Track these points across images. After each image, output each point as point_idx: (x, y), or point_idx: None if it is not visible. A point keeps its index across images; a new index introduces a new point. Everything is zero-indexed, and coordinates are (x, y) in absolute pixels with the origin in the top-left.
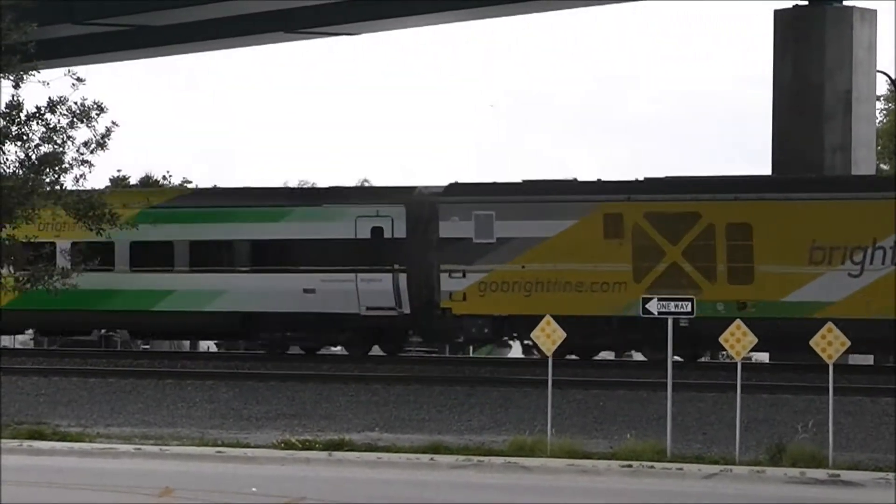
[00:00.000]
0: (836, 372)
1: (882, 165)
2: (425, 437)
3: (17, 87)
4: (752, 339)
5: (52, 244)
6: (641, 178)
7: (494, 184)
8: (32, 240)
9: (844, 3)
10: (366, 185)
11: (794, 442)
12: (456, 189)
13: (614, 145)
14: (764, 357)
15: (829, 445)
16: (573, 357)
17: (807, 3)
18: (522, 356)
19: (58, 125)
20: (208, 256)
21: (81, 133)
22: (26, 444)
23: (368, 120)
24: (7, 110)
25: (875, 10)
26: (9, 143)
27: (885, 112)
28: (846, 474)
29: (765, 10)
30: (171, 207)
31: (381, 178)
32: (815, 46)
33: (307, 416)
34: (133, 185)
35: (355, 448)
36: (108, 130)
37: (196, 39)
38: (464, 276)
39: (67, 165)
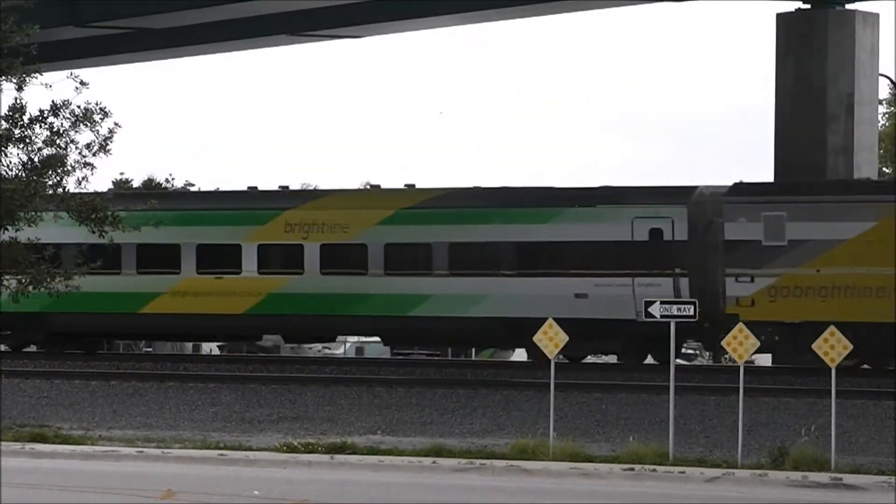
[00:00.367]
0: (838, 375)
1: (884, 169)
2: (427, 440)
3: (19, 89)
4: (755, 343)
5: (300, 246)
6: None
7: (784, 183)
8: (280, 244)
9: (847, 6)
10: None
11: (797, 445)
12: (742, 189)
13: (614, 148)
14: (766, 360)
15: (832, 449)
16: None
17: (809, 6)
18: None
19: (61, 128)
20: (469, 259)
21: (84, 136)
22: (28, 446)
23: (371, 122)
24: (10, 113)
25: (877, 14)
26: (11, 145)
27: (887, 116)
28: (848, 478)
29: (767, 13)
30: (427, 209)
31: (383, 180)
32: (818, 49)
33: (309, 419)
34: (136, 188)
35: (357, 451)
36: (111, 133)
37: (199, 42)
38: (752, 280)
39: (70, 168)
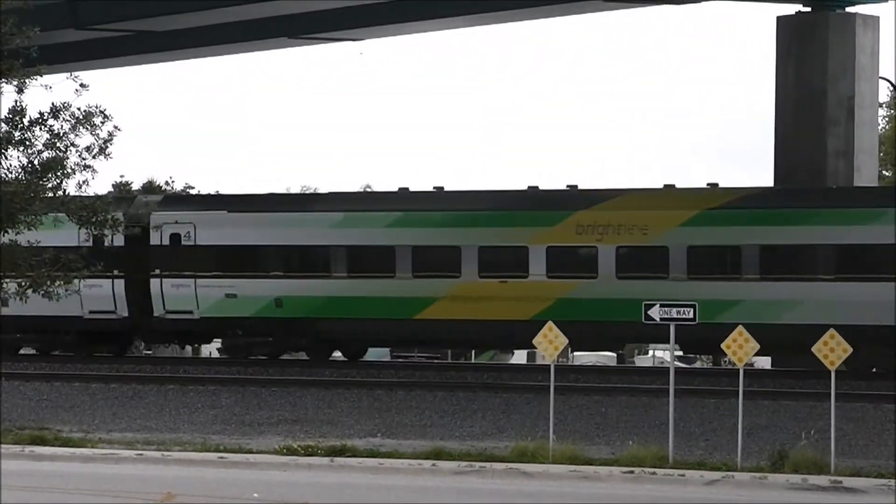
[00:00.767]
0: (837, 378)
1: (884, 172)
2: (427, 443)
3: (20, 92)
4: (754, 346)
5: (593, 249)
6: None
7: None
8: (572, 246)
9: (847, 9)
10: (368, 188)
11: (796, 448)
12: None
13: (615, 150)
14: (766, 363)
15: (831, 452)
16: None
17: (809, 9)
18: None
19: (61, 131)
20: (783, 263)
21: (84, 139)
22: (28, 449)
23: (370, 124)
24: (10, 115)
25: (877, 17)
26: (11, 148)
27: (887, 118)
28: (848, 481)
29: (767, 16)
30: (735, 209)
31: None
32: (818, 52)
33: (309, 422)
34: (137, 190)
35: (357, 454)
36: (111, 136)
37: (199, 45)
38: None
39: (70, 171)
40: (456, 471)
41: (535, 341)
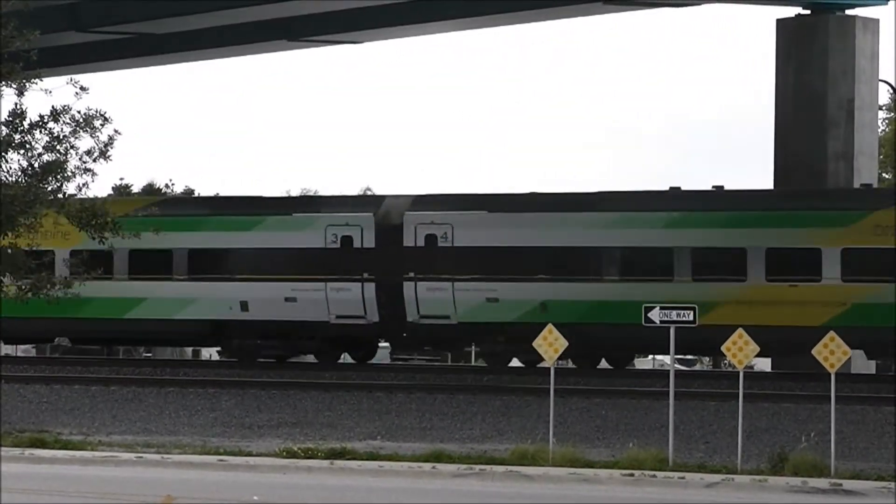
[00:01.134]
0: (837, 381)
1: (884, 174)
2: (427, 446)
3: (20, 95)
4: (755, 348)
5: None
6: None
7: None
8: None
9: (847, 12)
10: (368, 192)
11: (797, 451)
12: None
13: (614, 154)
14: (766, 365)
15: (831, 454)
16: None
17: (809, 12)
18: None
19: (61, 134)
20: None
21: (84, 142)
22: (28, 451)
23: (369, 127)
24: (10, 118)
25: (877, 20)
26: (11, 151)
27: (887, 121)
28: (848, 483)
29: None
30: None
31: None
32: (818, 55)
33: (309, 425)
34: (136, 193)
35: (357, 456)
36: (111, 139)
37: (199, 48)
38: None
39: (70, 174)
40: (456, 473)
41: (535, 343)
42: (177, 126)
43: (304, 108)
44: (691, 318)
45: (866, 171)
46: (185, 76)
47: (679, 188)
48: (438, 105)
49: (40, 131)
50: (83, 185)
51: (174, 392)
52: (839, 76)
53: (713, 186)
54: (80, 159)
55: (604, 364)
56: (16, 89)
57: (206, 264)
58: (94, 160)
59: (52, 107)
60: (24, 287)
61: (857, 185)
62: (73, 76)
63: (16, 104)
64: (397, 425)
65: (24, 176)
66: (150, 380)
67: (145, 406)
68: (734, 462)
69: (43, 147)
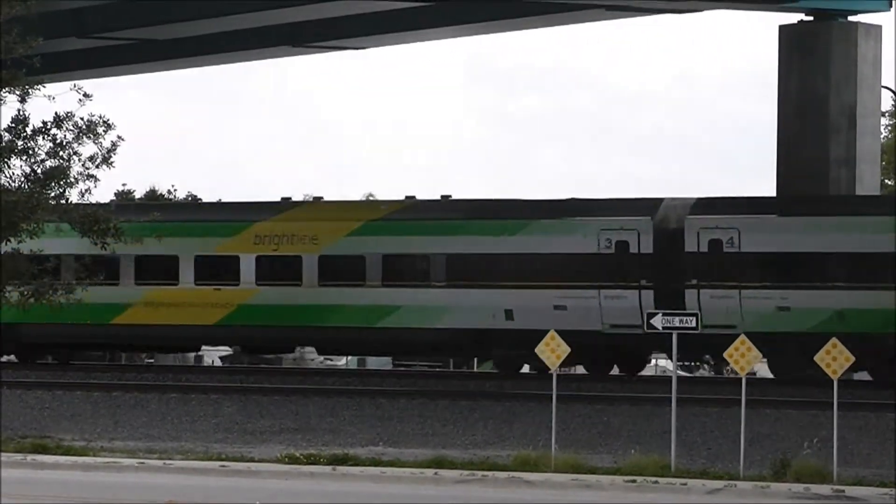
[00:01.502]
0: (840, 387)
1: (887, 181)
2: (429, 452)
3: (22, 101)
4: (757, 355)
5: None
6: None
7: None
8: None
9: (849, 18)
10: (371, 198)
11: (799, 457)
12: None
13: (617, 159)
14: (768, 372)
15: (834, 461)
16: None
17: (812, 18)
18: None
19: (64, 140)
20: None
21: (87, 148)
22: (30, 457)
23: (372, 133)
24: (13, 125)
25: (880, 26)
26: (14, 157)
27: (889, 127)
28: (850, 490)
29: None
30: None
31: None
32: (820, 61)
33: (311, 431)
34: (139, 199)
35: (359, 462)
36: (114, 145)
37: (202, 53)
38: None
39: (73, 180)
40: (458, 479)
41: (537, 350)
42: (178, 132)
43: (306, 114)
44: (693, 324)
45: (868, 177)
46: (187, 82)
47: None
48: (440, 109)
49: (43, 137)
50: (86, 191)
51: (176, 398)
52: (841, 82)
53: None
54: (82, 165)
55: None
56: (19, 95)
57: (465, 271)
58: (97, 166)
59: (55, 113)
60: (26, 293)
61: (859, 191)
62: (76, 82)
63: (19, 110)
64: (399, 431)
65: (27, 182)
66: (152, 386)
67: (147, 412)
68: (736, 468)
69: (46, 153)
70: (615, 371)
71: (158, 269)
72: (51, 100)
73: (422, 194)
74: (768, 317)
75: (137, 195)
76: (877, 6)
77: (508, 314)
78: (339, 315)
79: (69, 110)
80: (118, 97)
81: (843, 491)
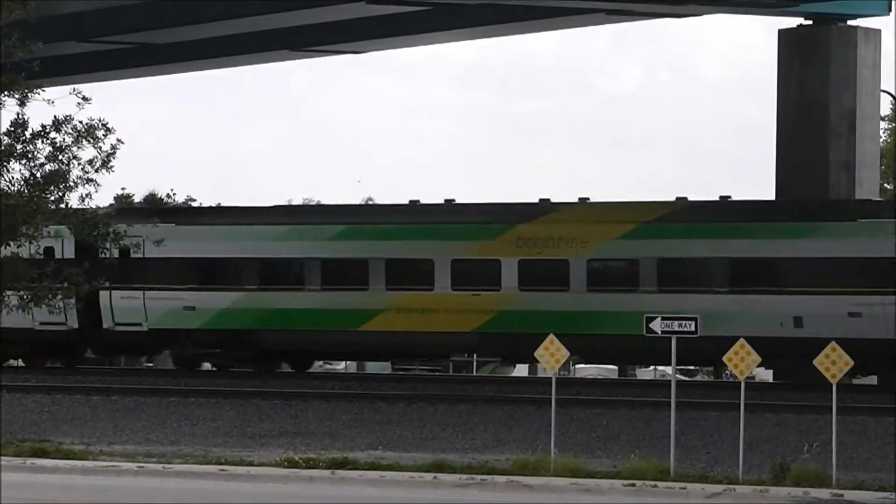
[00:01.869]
0: (839, 391)
1: (886, 185)
2: (429, 456)
3: (22, 105)
4: (756, 359)
5: None
6: None
7: None
8: None
9: (849, 22)
10: (370, 201)
11: (798, 461)
12: None
13: (618, 162)
14: (767, 376)
15: (833, 465)
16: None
17: (811, 22)
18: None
19: (63, 144)
20: None
21: (87, 152)
22: (29, 461)
23: (372, 137)
24: (12, 128)
25: (879, 30)
26: (13, 161)
27: (888, 132)
28: (850, 494)
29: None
30: None
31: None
32: (820, 65)
33: (310, 434)
34: (138, 203)
35: (358, 466)
36: (114, 149)
37: (201, 57)
38: None
39: (72, 184)
40: (457, 483)
41: (536, 354)
42: (178, 135)
43: (305, 117)
44: (693, 328)
45: (868, 181)
46: (186, 86)
47: None
48: (441, 112)
49: (42, 141)
50: (86, 195)
51: (175, 402)
52: (841, 86)
53: None
54: (82, 169)
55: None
56: (18, 99)
57: (751, 276)
58: (97, 170)
59: (55, 117)
60: (25, 296)
61: (858, 196)
62: (76, 86)
63: (18, 114)
64: (398, 435)
65: (26, 186)
66: (151, 389)
67: (147, 416)
68: (736, 472)
69: (45, 157)
70: None
71: (411, 274)
72: (50, 103)
73: (425, 197)
74: None
75: (136, 199)
76: (876, 10)
77: (797, 321)
78: (609, 322)
79: (68, 114)
80: (117, 100)
81: (842, 495)
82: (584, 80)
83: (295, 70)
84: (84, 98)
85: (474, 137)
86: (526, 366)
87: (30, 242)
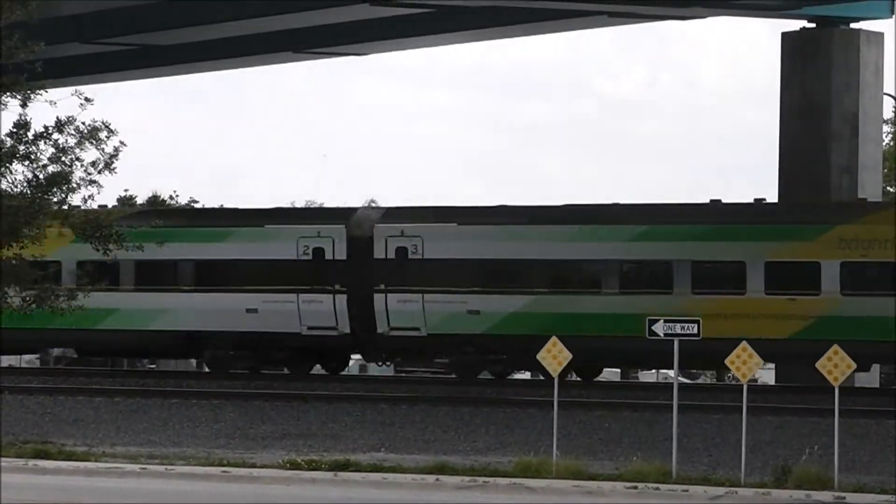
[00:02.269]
0: (841, 394)
1: (888, 188)
2: (431, 458)
3: (24, 106)
4: (758, 361)
5: None
6: None
7: None
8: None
9: (851, 25)
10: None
11: (800, 464)
12: None
13: (619, 166)
14: (770, 379)
15: (835, 468)
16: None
17: (814, 25)
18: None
19: (66, 145)
20: None
21: (89, 153)
22: (32, 463)
23: (374, 139)
24: (14, 129)
25: (882, 33)
26: (16, 162)
27: (891, 134)
28: (851, 497)
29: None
30: None
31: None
32: (823, 69)
33: (313, 436)
34: (140, 205)
35: (361, 468)
36: (116, 151)
37: (203, 59)
38: None
39: (75, 185)
40: (459, 486)
41: (539, 356)
42: (179, 137)
43: (307, 119)
44: (695, 331)
45: (870, 184)
46: (189, 87)
47: None
48: (442, 116)
49: (45, 142)
50: (88, 196)
51: (178, 404)
52: (843, 90)
53: None
54: (85, 171)
55: (605, 376)
56: (20, 100)
57: None
58: (99, 172)
59: (57, 118)
60: (28, 298)
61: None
62: (78, 87)
63: (20, 115)
64: (401, 437)
65: (29, 187)
66: (154, 391)
67: (149, 417)
68: (738, 475)
69: (48, 158)
70: None
71: (720, 277)
72: (52, 104)
73: (426, 200)
74: None
75: (139, 200)
76: (879, 13)
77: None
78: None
79: (71, 115)
80: (119, 101)
81: (844, 498)
82: (587, 83)
83: (297, 71)
84: (86, 99)
85: (475, 140)
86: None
87: (296, 244)
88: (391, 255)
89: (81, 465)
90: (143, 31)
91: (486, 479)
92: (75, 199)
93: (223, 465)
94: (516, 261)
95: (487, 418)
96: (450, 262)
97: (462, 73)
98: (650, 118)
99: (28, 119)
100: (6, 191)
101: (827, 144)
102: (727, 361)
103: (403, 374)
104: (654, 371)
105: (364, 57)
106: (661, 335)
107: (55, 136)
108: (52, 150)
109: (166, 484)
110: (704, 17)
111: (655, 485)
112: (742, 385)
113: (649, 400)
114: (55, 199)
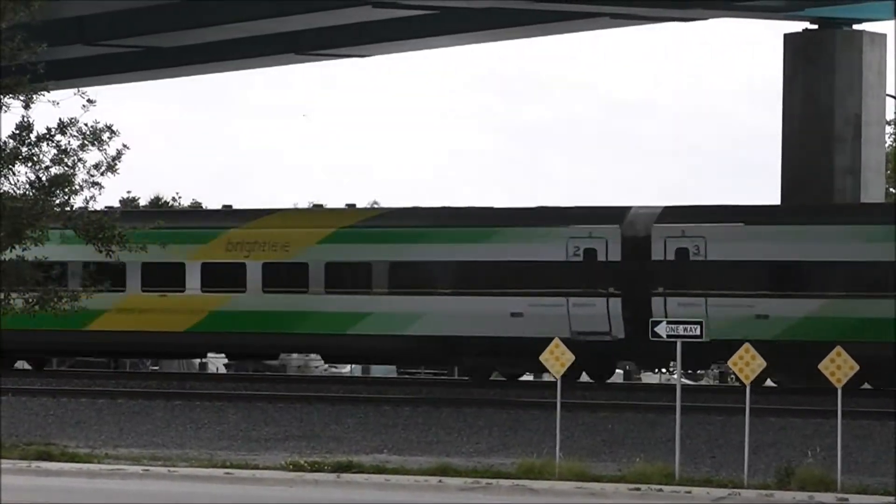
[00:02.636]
0: (844, 395)
1: (891, 189)
2: (434, 459)
3: (26, 107)
4: (761, 363)
5: None
6: None
7: None
8: None
9: (854, 26)
10: (375, 204)
11: (803, 465)
12: None
13: (620, 167)
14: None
15: (838, 469)
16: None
17: (816, 26)
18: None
19: (68, 147)
20: None
21: (92, 155)
22: (34, 464)
23: (377, 141)
24: (17, 131)
25: (885, 34)
26: (18, 164)
27: (894, 136)
28: (854, 498)
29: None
30: None
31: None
32: (825, 70)
33: (316, 438)
34: (143, 207)
35: (364, 470)
36: (119, 153)
37: (206, 61)
38: None
39: (78, 187)
40: (462, 487)
41: (541, 358)
42: (181, 139)
43: (307, 124)
44: (698, 332)
45: (873, 186)
46: (191, 89)
47: None
48: (443, 117)
49: (47, 144)
50: (90, 198)
51: (181, 405)
52: (846, 91)
53: None
54: (87, 173)
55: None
56: (23, 102)
57: None
58: (102, 174)
59: (60, 119)
60: (30, 300)
61: (864, 200)
62: (80, 89)
63: (23, 117)
64: (403, 439)
65: (32, 189)
66: (156, 393)
67: (152, 419)
68: (741, 476)
69: (50, 160)
70: None
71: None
72: (55, 105)
73: (426, 202)
74: None
75: (142, 203)
76: (882, 15)
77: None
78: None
79: (73, 116)
80: (122, 103)
81: (847, 499)
82: (589, 83)
83: (299, 73)
84: (89, 100)
85: (480, 142)
86: None
87: (566, 245)
88: (671, 256)
89: (84, 466)
90: (146, 32)
91: (489, 480)
92: (77, 201)
93: (226, 467)
94: (806, 262)
95: (490, 420)
96: (737, 264)
97: (464, 75)
98: (652, 119)
99: (30, 121)
100: (9, 192)
101: (830, 146)
102: (730, 363)
103: (406, 376)
104: (654, 371)
105: (367, 58)
106: (664, 336)
107: (58, 137)
108: (54, 151)
109: (169, 485)
110: (706, 18)
111: (658, 486)
112: (745, 386)
113: (652, 401)
114: (57, 201)
